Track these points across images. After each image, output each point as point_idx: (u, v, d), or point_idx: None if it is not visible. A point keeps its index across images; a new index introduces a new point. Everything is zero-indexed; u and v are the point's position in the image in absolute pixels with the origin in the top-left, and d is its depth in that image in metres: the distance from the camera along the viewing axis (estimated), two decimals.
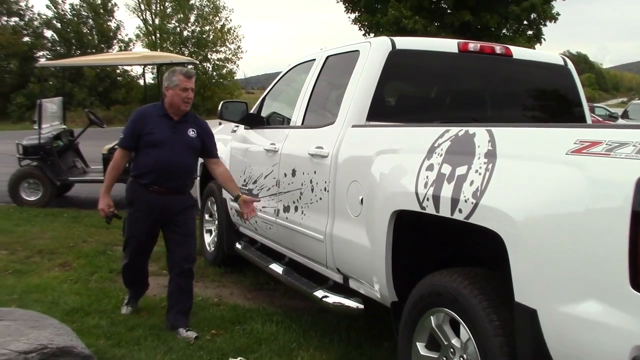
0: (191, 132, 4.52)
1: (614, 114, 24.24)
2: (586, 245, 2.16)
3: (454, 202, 2.77)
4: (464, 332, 2.75)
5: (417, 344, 3.10)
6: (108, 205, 4.55)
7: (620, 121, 19.34)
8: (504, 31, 26.95)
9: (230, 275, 6.14)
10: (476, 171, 2.70)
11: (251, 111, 5.69)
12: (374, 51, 4.01)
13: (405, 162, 3.25)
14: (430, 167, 3.00)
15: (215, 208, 6.38)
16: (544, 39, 27.15)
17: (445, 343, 2.91)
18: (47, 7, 41.86)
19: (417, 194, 3.03)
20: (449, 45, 4.20)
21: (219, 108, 5.56)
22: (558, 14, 26.05)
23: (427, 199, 2.95)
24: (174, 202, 4.54)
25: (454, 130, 2.99)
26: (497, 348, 2.54)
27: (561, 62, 4.55)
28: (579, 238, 2.19)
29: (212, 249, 6.47)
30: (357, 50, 4.17)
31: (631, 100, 28.45)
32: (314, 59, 4.86)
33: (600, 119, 20.01)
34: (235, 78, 49.52)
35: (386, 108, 4.21)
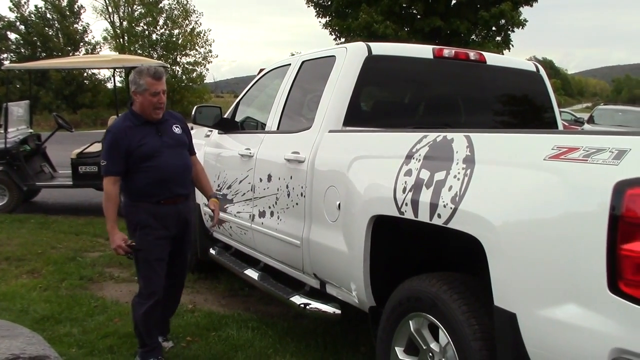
0: (176, 129, 4.13)
1: (579, 119, 24.74)
2: (565, 250, 2.19)
3: (433, 207, 2.79)
4: (443, 336, 2.76)
5: (396, 348, 3.10)
6: (123, 239, 3.89)
7: (586, 126, 19.75)
8: (473, 37, 27.32)
9: (204, 282, 6.08)
10: (455, 176, 2.72)
11: (225, 116, 5.65)
12: (350, 56, 4.02)
13: (383, 168, 3.26)
14: (408, 173, 3.01)
15: None
16: (512, 45, 27.60)
17: (424, 347, 2.92)
18: (10, 9, 41.06)
19: (395, 199, 3.04)
20: (424, 51, 4.23)
21: (193, 112, 5.52)
22: (526, 21, 26.51)
23: (406, 204, 2.96)
24: (186, 210, 4.20)
25: (432, 135, 3.01)
26: (476, 352, 2.56)
27: (533, 69, 4.63)
28: (558, 242, 2.22)
29: None
30: (333, 56, 4.18)
31: (596, 106, 29.07)
32: (289, 64, 4.85)
33: (567, 124, 20.40)
34: (205, 82, 49.25)
35: (362, 113, 4.22)
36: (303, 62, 4.67)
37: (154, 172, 3.93)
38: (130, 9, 46.30)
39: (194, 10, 46.29)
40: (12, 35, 41.64)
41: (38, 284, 5.79)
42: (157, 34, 45.84)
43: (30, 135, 10.48)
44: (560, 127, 4.76)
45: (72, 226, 8.65)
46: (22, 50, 41.08)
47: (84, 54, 41.01)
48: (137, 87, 3.92)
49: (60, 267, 6.43)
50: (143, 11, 45.63)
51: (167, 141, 4.04)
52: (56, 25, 42.51)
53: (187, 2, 45.97)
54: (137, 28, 45.63)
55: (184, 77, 45.76)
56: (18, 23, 41.36)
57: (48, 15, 42.36)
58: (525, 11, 26.79)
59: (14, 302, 5.22)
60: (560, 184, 2.23)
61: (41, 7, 41.84)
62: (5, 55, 40.86)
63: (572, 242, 2.16)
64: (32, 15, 41.72)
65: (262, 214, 4.51)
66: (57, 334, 4.51)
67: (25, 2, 41.41)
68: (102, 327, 4.69)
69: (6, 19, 41.09)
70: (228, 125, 5.55)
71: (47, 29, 41.94)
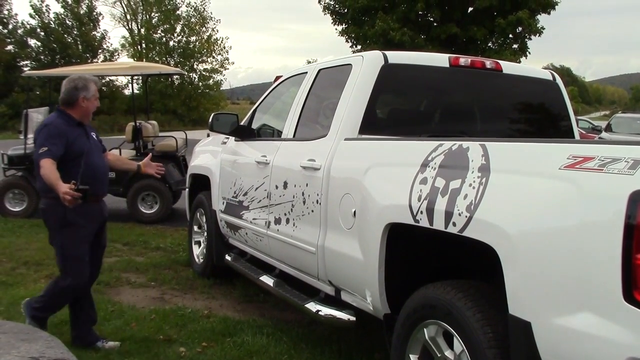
0: (94, 135, 4.50)
1: (597, 127, 24.57)
2: (580, 259, 2.19)
3: (448, 215, 2.80)
4: (458, 344, 2.77)
5: (410, 356, 3.11)
6: (69, 186, 3.87)
7: (604, 134, 19.60)
8: (489, 44, 27.25)
9: (220, 287, 6.12)
10: (470, 185, 2.73)
11: (242, 123, 5.70)
12: (367, 65, 4.05)
13: (398, 176, 3.28)
14: (423, 181, 3.03)
15: (204, 219, 6.37)
16: (529, 52, 27.50)
17: (439, 355, 2.92)
18: (31, 16, 41.64)
19: (410, 207, 3.06)
20: (440, 59, 4.25)
21: (210, 119, 5.57)
22: (543, 28, 26.38)
23: (421, 212, 2.98)
24: (105, 207, 4.55)
25: (447, 144, 3.02)
26: None
27: (550, 77, 4.62)
28: (573, 251, 2.22)
29: (201, 260, 6.46)
30: (350, 64, 4.21)
31: (614, 114, 28.83)
32: (306, 72, 4.89)
33: (584, 132, 20.27)
34: (221, 88, 49.56)
35: (378, 121, 4.25)
36: (319, 71, 4.71)
37: (85, 170, 4.12)
38: (148, 16, 46.78)
39: (211, 18, 46.70)
40: (32, 41, 42.22)
41: None
42: (174, 41, 46.24)
43: None
44: (577, 136, 4.75)
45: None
46: (42, 58, 41.58)
47: (102, 61, 41.46)
48: (88, 93, 4.34)
49: None
50: (161, 18, 46.07)
51: (92, 144, 4.42)
52: (75, 32, 42.99)
53: (204, 9, 46.39)
54: (154, 35, 46.05)
55: (200, 84, 46.07)
56: (39, 30, 41.89)
57: (67, 22, 42.86)
58: (542, 19, 26.70)
59: None
60: (575, 193, 2.24)
61: (61, 14, 42.41)
62: (25, 62, 41.46)
63: (587, 251, 2.17)
64: (52, 22, 42.25)
65: (277, 221, 4.54)
66: None
67: (46, 9, 42.01)
68: (118, 332, 4.74)
69: (28, 25, 41.71)
70: (244, 133, 5.60)
71: (66, 35, 42.43)
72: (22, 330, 3.58)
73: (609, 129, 20.27)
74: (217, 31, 46.84)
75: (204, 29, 46.41)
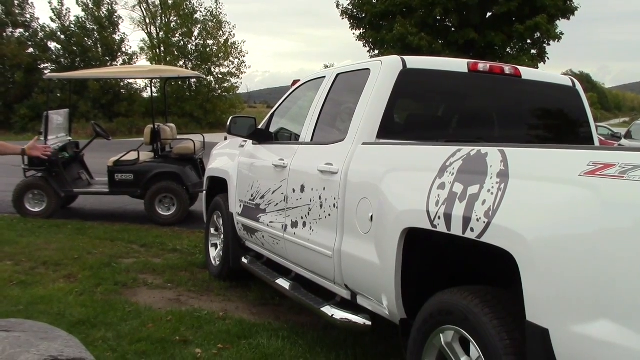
0: None
1: (617, 133, 24.28)
2: (599, 266, 2.18)
3: (466, 220, 2.79)
4: (474, 350, 2.75)
5: None
6: None
7: (624, 141, 19.39)
8: (507, 50, 27.13)
9: (236, 290, 6.14)
10: (488, 190, 2.72)
11: (259, 127, 5.73)
12: (385, 70, 4.05)
13: (416, 181, 3.28)
14: (441, 186, 3.02)
15: (221, 222, 6.40)
16: (547, 58, 27.34)
17: None
18: (52, 19, 42.11)
19: (428, 212, 3.05)
20: (458, 65, 4.24)
21: (228, 123, 5.60)
22: (562, 34, 26.24)
23: (439, 217, 2.97)
24: None
25: (466, 149, 3.01)
26: None
27: (569, 83, 4.59)
28: (592, 258, 2.21)
29: (218, 263, 6.49)
30: (368, 69, 4.21)
31: (634, 121, 28.51)
32: (324, 77, 4.90)
33: (603, 139, 20.06)
34: (238, 92, 49.70)
35: (396, 126, 4.24)
36: (338, 75, 4.72)
37: None
38: (167, 20, 47.08)
39: (227, 22, 46.90)
40: (52, 44, 42.70)
41: (74, 289, 5.92)
42: (192, 45, 46.50)
43: (69, 143, 10.73)
44: (597, 143, 4.71)
45: (107, 232, 8.82)
46: (62, 61, 42.03)
47: (122, 64, 41.79)
48: None
49: (96, 272, 6.56)
50: (179, 22, 46.36)
51: None
52: (95, 35, 43.38)
53: (220, 13, 46.63)
54: (173, 39, 46.34)
55: (217, 87, 46.26)
56: (59, 33, 42.35)
57: (88, 26, 43.26)
58: (561, 24, 26.56)
59: (51, 305, 5.34)
60: (595, 200, 2.22)
61: (81, 17, 42.83)
62: (45, 65, 41.94)
63: (607, 259, 2.15)
64: (73, 26, 42.70)
65: (294, 224, 4.56)
66: (92, 338, 4.59)
67: (66, 13, 42.47)
68: (135, 332, 4.77)
69: (48, 29, 42.18)
70: (262, 136, 5.62)
71: (86, 39, 42.83)
72: (42, 329, 3.61)
73: (628, 135, 20.06)
74: (234, 35, 46.93)
75: (220, 32, 46.65)
